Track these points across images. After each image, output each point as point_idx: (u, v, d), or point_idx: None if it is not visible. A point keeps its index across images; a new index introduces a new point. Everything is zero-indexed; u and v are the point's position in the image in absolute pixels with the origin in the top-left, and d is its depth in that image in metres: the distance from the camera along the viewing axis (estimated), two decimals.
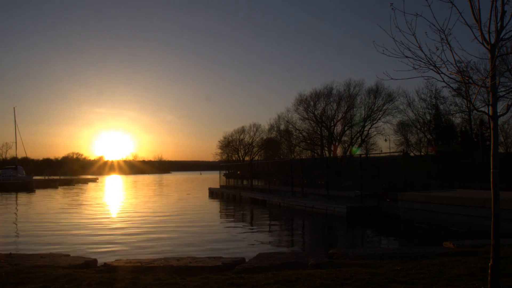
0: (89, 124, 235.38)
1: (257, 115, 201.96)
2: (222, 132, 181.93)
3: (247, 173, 35.05)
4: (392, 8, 4.45)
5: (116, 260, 7.19)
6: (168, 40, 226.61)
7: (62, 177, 72.96)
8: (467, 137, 45.46)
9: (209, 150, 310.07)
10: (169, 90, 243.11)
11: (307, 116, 57.22)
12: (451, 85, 22.96)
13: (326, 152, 55.53)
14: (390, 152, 35.82)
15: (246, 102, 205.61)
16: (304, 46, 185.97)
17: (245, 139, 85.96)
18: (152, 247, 11.91)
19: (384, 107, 52.76)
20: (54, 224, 17.35)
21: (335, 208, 18.12)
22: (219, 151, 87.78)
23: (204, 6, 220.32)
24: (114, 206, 27.70)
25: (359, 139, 54.98)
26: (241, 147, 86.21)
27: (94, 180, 78.55)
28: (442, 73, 4.50)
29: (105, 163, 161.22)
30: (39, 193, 41.01)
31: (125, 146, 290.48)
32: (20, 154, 68.19)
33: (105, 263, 6.83)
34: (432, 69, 4.52)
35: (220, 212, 24.23)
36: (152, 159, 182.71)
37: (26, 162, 75.92)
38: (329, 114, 55.85)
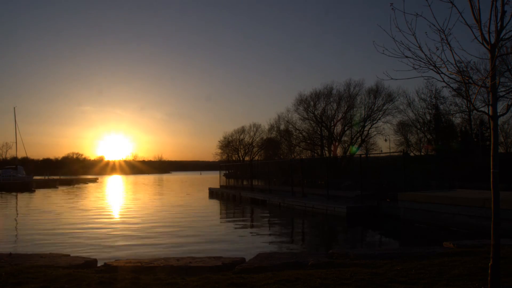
0: (89, 124, 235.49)
1: (257, 115, 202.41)
2: (222, 132, 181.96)
3: (247, 173, 35.06)
4: (392, 8, 4.45)
5: (116, 260, 7.19)
6: (168, 40, 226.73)
7: (62, 177, 72.97)
8: (467, 137, 45.46)
9: (209, 150, 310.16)
10: (170, 90, 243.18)
11: (307, 116, 57.22)
12: (451, 85, 22.97)
13: (326, 152, 55.51)
14: (390, 152, 35.80)
15: (246, 102, 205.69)
16: (304, 46, 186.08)
17: (245, 139, 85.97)
18: (152, 247, 11.91)
19: (384, 107, 52.74)
20: (54, 224, 17.35)
21: (335, 208, 18.12)
22: (219, 151, 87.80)
23: (204, 6, 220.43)
24: (114, 206, 27.71)
25: (359, 139, 54.96)
26: (241, 147, 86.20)
27: (94, 180, 78.52)
28: (442, 73, 4.51)
29: (105, 163, 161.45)
30: (39, 193, 41.01)
31: (125, 146, 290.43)
32: (20, 154, 68.26)
33: (105, 263, 6.83)
34: (432, 69, 4.53)
35: (220, 212, 24.24)
36: (152, 159, 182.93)
37: (26, 162, 75.93)
38: (329, 114, 55.85)
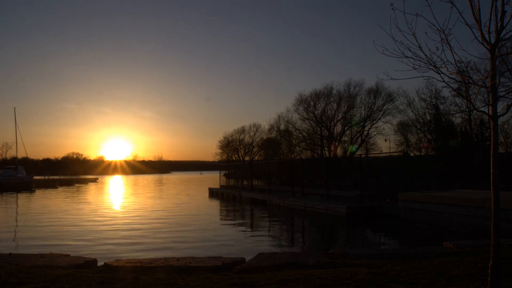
0: (89, 124, 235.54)
1: (257, 115, 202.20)
2: (222, 132, 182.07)
3: (247, 173, 35.07)
4: (392, 8, 4.45)
5: (116, 260, 7.19)
6: (168, 40, 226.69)
7: (62, 177, 72.98)
8: (467, 137, 45.47)
9: (209, 150, 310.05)
10: (170, 90, 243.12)
11: (307, 116, 57.26)
12: (451, 85, 22.99)
13: (326, 152, 55.53)
14: (390, 152, 35.81)
15: (246, 102, 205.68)
16: (304, 46, 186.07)
17: (245, 139, 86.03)
18: (152, 247, 11.90)
19: (384, 107, 52.80)
20: (54, 224, 17.34)
21: (335, 208, 18.12)
22: (219, 151, 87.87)
23: (204, 6, 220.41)
24: (114, 206, 27.71)
25: (359, 139, 54.99)
26: (241, 147, 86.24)
27: (94, 180, 78.53)
28: (442, 73, 4.51)
29: (106, 163, 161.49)
30: (39, 193, 41.02)
31: (125, 146, 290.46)
32: (20, 154, 68.30)
33: (105, 263, 6.83)
34: (432, 69, 4.53)
35: (220, 212, 24.24)
36: (152, 159, 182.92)
37: (26, 162, 75.92)
38: (329, 114, 55.89)
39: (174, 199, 32.11)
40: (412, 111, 49.12)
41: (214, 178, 61.70)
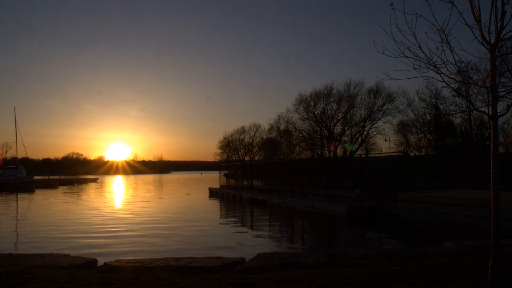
0: (90, 124, 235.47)
1: (257, 115, 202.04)
2: (222, 132, 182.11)
3: (247, 173, 35.08)
4: (392, 8, 4.45)
5: (116, 260, 7.19)
6: (168, 40, 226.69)
7: (62, 177, 72.98)
8: (467, 137, 45.47)
9: (209, 150, 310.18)
10: (170, 90, 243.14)
11: (307, 116, 57.28)
12: (451, 85, 22.98)
13: (326, 152, 55.54)
14: (390, 152, 35.82)
15: (246, 102, 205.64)
16: (304, 46, 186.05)
17: (245, 139, 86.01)
18: (152, 247, 11.91)
19: (384, 107, 52.83)
20: (54, 224, 17.35)
21: (335, 208, 18.12)
22: (219, 151, 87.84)
23: (204, 6, 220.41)
24: (113, 206, 27.71)
25: (359, 139, 55.00)
26: (241, 147, 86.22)
27: (94, 181, 78.54)
28: (442, 73, 4.51)
29: (106, 163, 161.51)
30: (39, 193, 41.02)
31: (125, 146, 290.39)
32: (20, 154, 68.36)
33: (105, 263, 6.83)
34: (432, 69, 4.53)
35: (220, 212, 24.24)
36: (152, 159, 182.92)
37: (26, 162, 75.93)
38: (329, 114, 55.91)
39: (174, 199, 32.12)
40: (412, 111, 49.19)
41: (214, 178, 61.69)
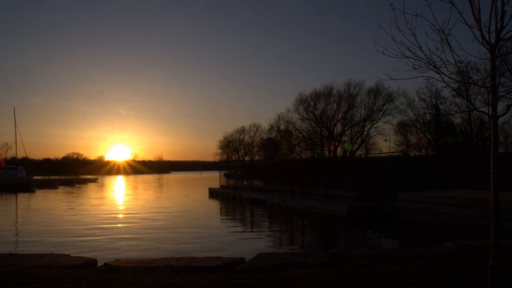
0: (90, 124, 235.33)
1: (257, 115, 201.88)
2: (222, 132, 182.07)
3: (247, 173, 35.08)
4: (392, 8, 4.46)
5: (116, 260, 7.19)
6: (168, 40, 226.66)
7: (62, 177, 72.97)
8: (467, 137, 45.47)
9: (209, 150, 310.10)
10: (170, 90, 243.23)
11: (307, 116, 57.25)
12: (451, 85, 23.00)
13: (326, 152, 55.54)
14: (390, 152, 35.79)
15: (246, 102, 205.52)
16: (304, 46, 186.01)
17: (245, 139, 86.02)
18: (152, 247, 11.91)
19: (384, 107, 52.80)
20: (54, 224, 17.35)
21: (335, 208, 18.12)
22: (219, 151, 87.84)
23: (205, 6, 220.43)
24: (113, 206, 27.71)
25: (359, 139, 55.00)
26: (241, 147, 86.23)
27: (94, 180, 78.52)
28: (442, 73, 4.51)
29: (106, 163, 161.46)
30: (39, 193, 41.02)
31: (125, 146, 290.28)
32: (20, 154, 68.17)
33: (105, 263, 6.83)
34: (432, 69, 4.53)
35: (220, 212, 24.24)
36: (152, 159, 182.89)
37: (26, 162, 75.91)
38: (329, 114, 55.88)
39: (174, 199, 32.12)
40: (412, 111, 49.16)
41: (214, 178, 61.70)
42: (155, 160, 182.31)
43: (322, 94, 56.12)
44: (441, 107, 47.44)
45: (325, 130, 55.87)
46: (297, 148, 60.10)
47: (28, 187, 47.91)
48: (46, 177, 64.60)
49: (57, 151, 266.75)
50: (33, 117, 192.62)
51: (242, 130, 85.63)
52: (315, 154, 55.86)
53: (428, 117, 48.26)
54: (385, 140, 53.75)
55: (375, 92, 52.83)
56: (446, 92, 46.07)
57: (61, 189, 50.40)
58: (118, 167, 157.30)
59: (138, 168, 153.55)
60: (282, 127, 65.73)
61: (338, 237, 15.29)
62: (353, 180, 26.70)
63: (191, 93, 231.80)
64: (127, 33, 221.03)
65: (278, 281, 5.32)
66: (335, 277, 5.47)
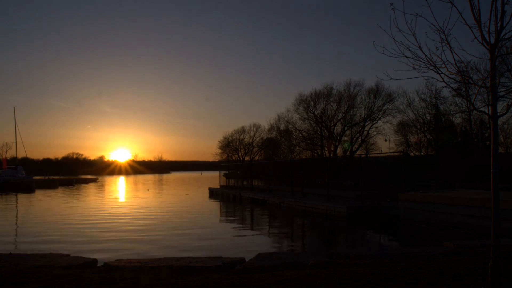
0: (90, 124, 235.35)
1: (257, 115, 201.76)
2: (222, 132, 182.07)
3: (247, 173, 35.07)
4: (392, 8, 4.46)
5: (116, 260, 7.19)
6: (168, 40, 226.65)
7: (62, 177, 72.96)
8: (467, 137, 45.46)
9: (209, 150, 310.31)
10: (170, 90, 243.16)
11: (307, 116, 57.29)
12: (451, 85, 22.96)
13: (326, 152, 55.54)
14: (390, 152, 35.81)
15: (246, 102, 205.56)
16: (304, 46, 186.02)
17: (245, 139, 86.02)
18: (152, 247, 11.91)
19: (384, 107, 52.85)
20: (54, 224, 17.35)
21: (335, 208, 18.12)
22: (219, 151, 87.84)
23: (205, 6, 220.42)
24: (113, 206, 27.70)
25: (359, 139, 55.01)
26: (241, 147, 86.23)
27: (94, 180, 78.51)
28: (442, 73, 4.51)
29: (106, 163, 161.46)
30: (39, 193, 41.01)
31: (125, 146, 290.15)
32: (20, 154, 68.33)
33: (105, 263, 6.83)
34: (432, 69, 4.53)
35: (220, 212, 24.24)
36: (152, 159, 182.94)
37: (26, 162, 75.94)
38: (329, 114, 55.91)
39: (174, 199, 32.12)
40: (412, 111, 49.18)
41: (214, 178, 61.69)
42: (155, 160, 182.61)
43: (322, 94, 56.20)
44: (441, 107, 47.49)
45: (325, 130, 55.89)
46: (297, 148, 60.12)
47: (28, 187, 47.90)
48: (46, 177, 64.58)
49: (57, 151, 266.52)
50: (33, 117, 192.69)
51: (242, 130, 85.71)
52: (315, 154, 55.87)
53: (428, 117, 48.29)
54: (385, 140, 53.80)
55: (375, 92, 52.89)
56: (446, 92, 46.13)
57: (61, 189, 50.39)
58: (118, 167, 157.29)
59: (138, 168, 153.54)
60: (282, 127, 65.80)
61: (338, 237, 15.29)
62: (353, 180, 26.73)
63: (191, 93, 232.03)
64: (127, 33, 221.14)
65: (278, 281, 5.32)
66: (335, 277, 5.47)
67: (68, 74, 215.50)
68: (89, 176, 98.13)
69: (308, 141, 58.02)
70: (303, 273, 5.77)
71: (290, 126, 60.97)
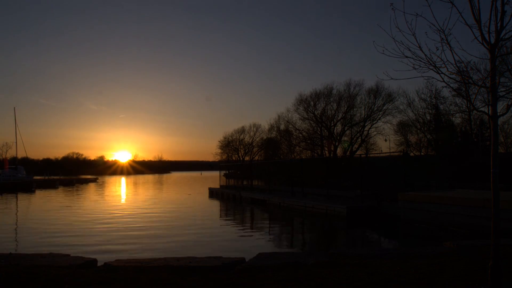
0: (90, 124, 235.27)
1: (257, 115, 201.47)
2: (222, 132, 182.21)
3: (247, 173, 35.07)
4: (392, 8, 4.46)
5: (116, 260, 7.18)
6: (168, 40, 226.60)
7: (62, 177, 72.96)
8: (467, 137, 45.46)
9: (209, 150, 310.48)
10: (170, 90, 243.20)
11: (307, 116, 57.32)
12: (451, 85, 22.87)
13: (326, 152, 55.55)
14: (390, 152, 35.77)
15: (246, 102, 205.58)
16: (304, 46, 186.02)
17: (245, 139, 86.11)
18: (152, 247, 11.91)
19: (384, 107, 52.87)
20: (54, 224, 17.35)
21: (335, 208, 18.12)
22: (219, 151, 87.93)
23: (205, 6, 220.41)
24: (113, 206, 27.69)
25: (359, 139, 55.03)
26: (241, 147, 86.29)
27: (94, 180, 78.50)
28: (442, 73, 4.51)
29: (106, 163, 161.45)
30: (39, 193, 41.01)
31: (125, 146, 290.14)
32: (20, 154, 68.34)
33: (105, 263, 6.83)
34: (432, 69, 4.53)
35: (220, 212, 24.24)
36: (152, 159, 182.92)
37: (26, 162, 75.94)
38: (329, 114, 55.93)
39: (174, 199, 32.11)
40: (412, 111, 49.19)
41: (214, 178, 61.69)
42: (155, 160, 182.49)
43: (322, 94, 56.23)
44: (441, 107, 47.49)
45: (325, 130, 55.90)
46: (297, 148, 60.16)
47: (28, 187, 47.91)
48: (46, 177, 64.59)
49: (57, 151, 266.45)
50: (33, 117, 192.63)
51: (242, 130, 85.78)
52: (315, 154, 55.88)
53: (428, 117, 48.29)
54: (385, 140, 53.83)
55: (375, 92, 52.92)
56: (446, 92, 46.18)
57: (61, 189, 50.39)
58: (119, 167, 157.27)
59: (138, 168, 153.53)
60: (282, 127, 65.85)
61: (338, 237, 15.29)
62: (353, 180, 26.71)
63: (191, 93, 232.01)
64: (127, 33, 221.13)
65: (278, 281, 5.32)
66: (335, 277, 5.47)
67: (68, 74, 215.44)
68: (89, 176, 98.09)
69: (308, 141, 58.04)
70: (303, 273, 5.77)
71: (290, 126, 61.06)
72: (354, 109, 54.55)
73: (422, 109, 48.41)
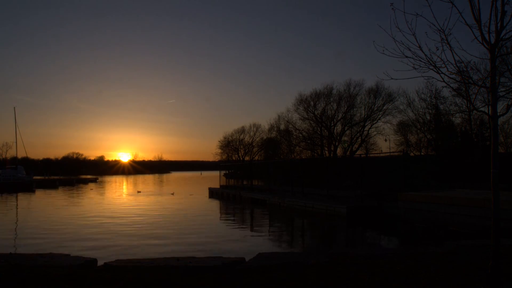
0: (90, 124, 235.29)
1: (257, 115, 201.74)
2: (222, 132, 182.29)
3: (247, 173, 35.07)
4: (392, 8, 4.46)
5: (116, 260, 7.19)
6: (168, 41, 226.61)
7: (62, 177, 72.97)
8: (467, 137, 45.43)
9: (209, 150, 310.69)
10: (170, 90, 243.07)
11: (307, 116, 57.31)
12: (451, 85, 22.86)
13: (326, 152, 55.56)
14: (390, 152, 35.81)
15: (246, 102, 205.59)
16: (304, 46, 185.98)
17: (245, 139, 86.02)
18: (152, 247, 11.90)
19: (384, 107, 52.86)
20: (54, 224, 17.35)
21: (335, 208, 18.11)
22: (219, 151, 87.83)
23: (205, 6, 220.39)
24: (114, 206, 27.69)
25: (359, 139, 55.03)
26: (241, 147, 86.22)
27: (94, 180, 78.50)
28: (442, 73, 4.52)
29: (106, 163, 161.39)
30: (39, 193, 41.01)
31: (125, 146, 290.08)
32: (20, 154, 68.28)
33: (105, 263, 6.83)
34: (432, 69, 4.53)
35: (220, 212, 24.24)
36: (152, 159, 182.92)
37: (26, 162, 75.86)
38: (329, 114, 55.92)
39: (174, 199, 32.10)
40: (412, 111, 49.15)
41: (214, 178, 61.69)
42: (155, 160, 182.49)
43: (322, 94, 56.22)
44: (441, 107, 47.44)
45: (325, 130, 55.91)
46: (297, 148, 60.16)
47: (28, 187, 47.89)
48: (46, 177, 64.58)
49: (57, 151, 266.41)
50: (33, 117, 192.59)
51: (242, 130, 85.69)
52: (315, 154, 55.88)
53: (428, 117, 48.26)
54: (385, 140, 53.81)
55: (375, 92, 52.91)
56: (446, 92, 46.10)
57: (61, 189, 50.38)
58: (119, 167, 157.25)
59: (138, 168, 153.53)
60: (282, 127, 65.81)
61: (338, 237, 15.28)
62: (353, 180, 26.68)
63: (191, 93, 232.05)
64: (127, 33, 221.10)
65: (278, 281, 5.32)
66: (335, 277, 5.47)
67: (68, 74, 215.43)
68: (89, 176, 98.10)
69: (308, 141, 58.03)
70: (303, 273, 5.77)
71: (290, 126, 61.04)
72: (354, 109, 54.60)
73: (422, 109, 48.43)
